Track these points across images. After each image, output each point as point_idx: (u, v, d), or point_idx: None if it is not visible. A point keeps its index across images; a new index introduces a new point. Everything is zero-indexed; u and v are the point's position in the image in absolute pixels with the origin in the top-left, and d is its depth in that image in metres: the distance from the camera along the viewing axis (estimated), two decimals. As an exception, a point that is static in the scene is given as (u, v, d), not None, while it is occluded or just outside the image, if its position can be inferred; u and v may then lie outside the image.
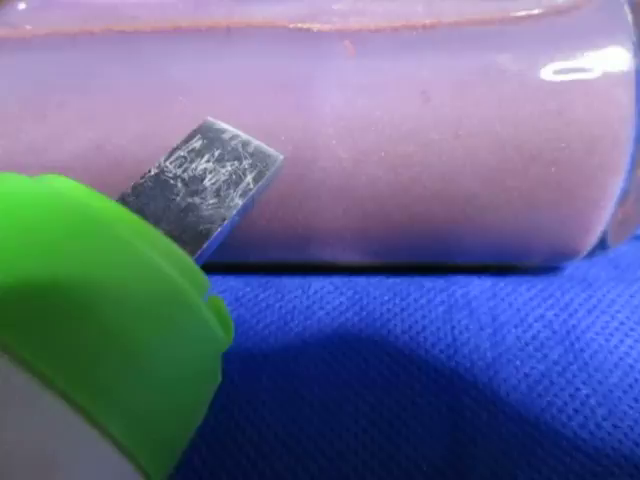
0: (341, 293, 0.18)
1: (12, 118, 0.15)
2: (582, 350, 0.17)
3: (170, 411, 0.09)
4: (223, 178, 0.12)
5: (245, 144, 0.13)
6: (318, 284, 0.19)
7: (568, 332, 0.17)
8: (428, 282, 0.19)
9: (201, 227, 0.11)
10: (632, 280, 0.19)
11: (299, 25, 0.15)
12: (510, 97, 0.15)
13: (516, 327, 0.17)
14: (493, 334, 0.17)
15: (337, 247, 0.17)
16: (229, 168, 0.12)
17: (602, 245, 0.17)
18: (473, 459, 0.14)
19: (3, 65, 0.16)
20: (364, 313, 0.18)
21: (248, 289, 0.19)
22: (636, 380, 0.16)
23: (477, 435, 0.15)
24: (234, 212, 0.12)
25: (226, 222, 0.11)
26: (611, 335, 0.17)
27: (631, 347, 0.17)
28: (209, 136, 0.13)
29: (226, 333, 0.11)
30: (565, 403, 0.15)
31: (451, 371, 0.16)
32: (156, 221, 0.11)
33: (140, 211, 0.11)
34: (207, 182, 0.12)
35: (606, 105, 0.14)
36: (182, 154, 0.12)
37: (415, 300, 0.18)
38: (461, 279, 0.19)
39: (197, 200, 0.12)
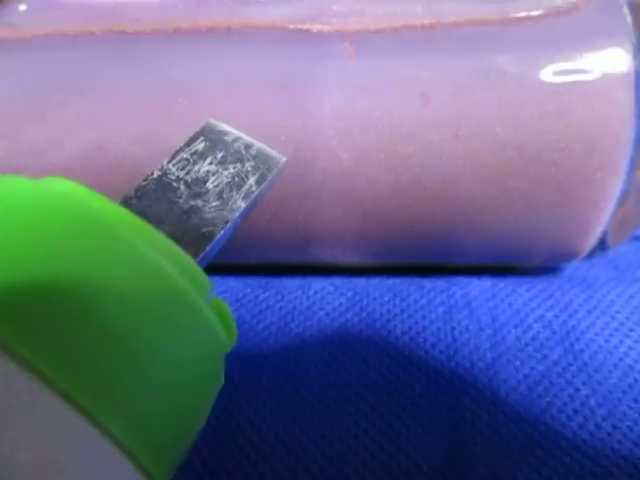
0: (341, 294, 0.18)
1: (12, 119, 0.15)
2: (582, 351, 0.17)
3: (172, 412, 0.09)
4: (226, 180, 0.12)
5: (247, 146, 0.13)
6: (318, 285, 0.19)
7: (568, 333, 0.17)
8: (428, 283, 0.19)
9: (204, 229, 0.11)
10: (632, 281, 0.19)
11: (299, 26, 0.15)
12: (510, 98, 0.15)
13: (516, 328, 0.17)
14: (493, 335, 0.17)
15: (337, 248, 0.17)
16: (232, 170, 0.12)
17: (602, 246, 0.17)
18: (473, 459, 0.14)
19: (3, 66, 0.16)
20: (364, 314, 0.18)
21: (248, 290, 0.19)
22: (636, 380, 0.16)
23: (477, 435, 0.15)
24: (237, 214, 0.12)
25: (229, 224, 0.11)
26: (611, 336, 0.17)
27: (631, 348, 0.17)
28: (212, 138, 0.13)
29: (229, 335, 0.11)
30: (565, 404, 0.15)
31: (451, 372, 0.16)
32: (159, 223, 0.11)
33: (143, 213, 0.11)
34: (210, 184, 0.12)
35: (606, 106, 0.14)
36: (185, 156, 0.12)
37: (415, 301, 0.18)
38: (461, 280, 0.19)
39: (200, 202, 0.12)
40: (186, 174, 0.12)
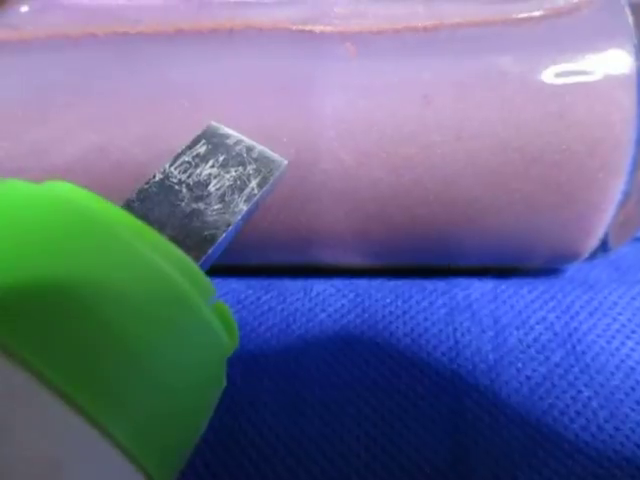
0: (343, 295, 0.18)
1: (14, 120, 0.15)
2: (584, 352, 0.17)
3: (174, 414, 0.09)
4: (227, 183, 0.12)
5: (249, 149, 0.13)
6: (320, 286, 0.19)
7: (570, 334, 0.17)
8: (430, 284, 0.19)
9: (206, 233, 0.11)
10: (633, 282, 0.19)
11: (301, 27, 0.15)
12: (512, 99, 0.15)
13: (518, 329, 0.17)
14: (495, 336, 0.17)
15: (339, 249, 0.17)
16: (233, 173, 0.12)
17: (603, 247, 0.17)
18: (475, 461, 0.14)
19: (5, 67, 0.16)
20: (366, 315, 0.18)
21: (250, 291, 0.19)
22: (638, 382, 0.16)
23: (479, 437, 0.15)
24: (238, 217, 0.12)
25: (230, 227, 0.11)
26: (613, 337, 0.17)
27: (633, 349, 0.17)
28: (213, 141, 0.13)
29: (230, 338, 0.11)
30: (567, 405, 0.15)
31: (453, 373, 0.16)
32: (161, 226, 0.11)
33: (145, 216, 0.11)
34: (212, 187, 0.12)
35: (607, 107, 0.14)
36: (186, 159, 0.12)
37: (417, 302, 0.18)
38: (462, 281, 0.19)
39: (202, 205, 0.12)
40: (188, 177, 0.12)
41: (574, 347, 0.17)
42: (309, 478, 0.14)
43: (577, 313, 0.18)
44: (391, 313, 0.18)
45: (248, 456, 0.15)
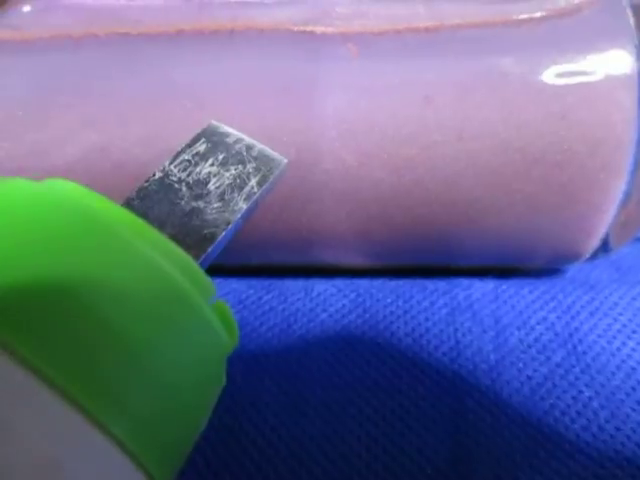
0: (344, 295, 0.18)
1: (15, 120, 0.15)
2: (584, 352, 0.17)
3: (174, 412, 0.09)
4: (227, 182, 0.12)
5: (249, 148, 0.13)
6: (321, 286, 0.19)
7: (570, 334, 0.17)
8: (431, 285, 0.19)
9: (205, 231, 0.11)
10: (634, 282, 0.19)
11: (303, 28, 0.15)
12: (513, 100, 0.15)
13: (519, 329, 0.17)
14: (496, 337, 0.17)
15: (340, 249, 0.17)
16: (233, 172, 0.12)
17: (604, 247, 0.17)
18: (476, 461, 0.14)
19: (7, 67, 0.16)
20: (367, 315, 0.18)
21: (251, 291, 0.19)
22: (639, 382, 0.16)
23: (480, 437, 0.15)
24: (238, 216, 0.12)
25: (230, 226, 0.11)
26: (613, 337, 0.17)
27: (633, 349, 0.17)
28: (213, 140, 0.13)
29: (230, 336, 0.11)
30: (568, 405, 0.15)
31: (454, 373, 0.16)
32: (160, 225, 0.11)
33: (144, 215, 0.11)
34: (211, 186, 0.12)
35: (609, 108, 0.14)
36: (186, 158, 0.12)
37: (418, 303, 0.18)
38: (463, 281, 0.19)
39: (201, 204, 0.12)
40: (187, 175, 0.12)
41: (575, 347, 0.17)
42: (310, 478, 0.14)
43: (578, 313, 0.18)
44: (392, 313, 0.18)
45: (250, 456, 0.15)
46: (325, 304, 0.18)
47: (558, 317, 0.18)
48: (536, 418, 0.15)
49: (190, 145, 0.13)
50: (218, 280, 0.19)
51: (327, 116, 0.15)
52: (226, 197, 0.12)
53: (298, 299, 0.18)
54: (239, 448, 0.15)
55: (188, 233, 0.11)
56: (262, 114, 0.15)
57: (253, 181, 0.12)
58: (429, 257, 0.18)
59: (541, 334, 0.17)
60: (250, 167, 0.12)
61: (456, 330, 0.17)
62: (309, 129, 0.15)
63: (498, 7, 0.16)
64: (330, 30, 0.15)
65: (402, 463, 0.14)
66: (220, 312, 0.11)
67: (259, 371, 0.16)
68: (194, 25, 0.16)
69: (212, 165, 0.12)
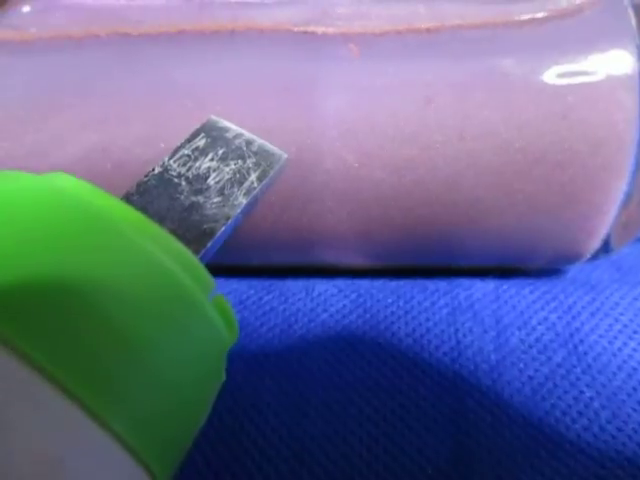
0: (345, 296, 0.18)
1: (16, 120, 0.15)
2: (585, 353, 0.17)
3: (174, 408, 0.09)
4: (227, 177, 0.12)
5: (249, 143, 0.13)
6: (322, 287, 0.19)
7: (571, 334, 0.17)
8: (431, 285, 0.19)
9: (205, 226, 0.11)
10: (635, 282, 0.19)
11: (303, 28, 0.15)
12: (514, 100, 0.15)
13: (519, 330, 0.17)
14: (497, 337, 0.17)
15: (341, 250, 0.17)
16: (233, 167, 0.12)
17: (605, 248, 0.17)
18: (477, 461, 0.14)
19: (7, 68, 0.16)
20: (368, 316, 0.18)
21: (252, 292, 0.19)
22: (640, 382, 0.16)
23: (481, 437, 0.15)
24: (238, 211, 0.12)
25: (230, 221, 0.11)
26: (615, 337, 0.17)
27: (635, 349, 0.17)
28: (213, 135, 0.13)
29: (230, 331, 0.11)
30: (569, 406, 0.15)
31: (455, 374, 0.16)
32: (160, 220, 0.11)
33: (144, 209, 0.11)
34: (211, 181, 0.12)
35: (610, 108, 0.14)
36: (186, 152, 0.12)
37: (419, 303, 0.18)
38: (464, 282, 0.19)
39: (201, 199, 0.12)
40: (187, 170, 0.12)
41: (576, 347, 0.17)
42: (312, 478, 0.14)
43: (579, 313, 0.18)
44: (393, 313, 0.18)
45: (251, 456, 0.15)
46: (326, 304, 0.18)
47: (559, 317, 0.18)
48: (537, 418, 0.15)
49: (190, 140, 0.13)
50: (219, 280, 0.19)
51: (328, 116, 0.15)
52: (226, 192, 0.12)
53: (299, 299, 0.18)
54: (240, 448, 0.15)
55: (188, 228, 0.11)
56: (263, 114, 0.15)
57: (253, 176, 0.12)
58: (430, 257, 0.18)
59: (542, 334, 0.17)
60: (250, 162, 0.12)
61: (457, 330, 0.17)
62: (310, 129, 0.15)
63: (499, 8, 0.16)
64: (331, 30, 0.15)
65: (403, 463, 0.14)
66: (220, 307, 0.11)
67: (260, 371, 0.16)
68: (195, 25, 0.16)
69: (212, 160, 0.12)
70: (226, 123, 0.13)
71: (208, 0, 0.16)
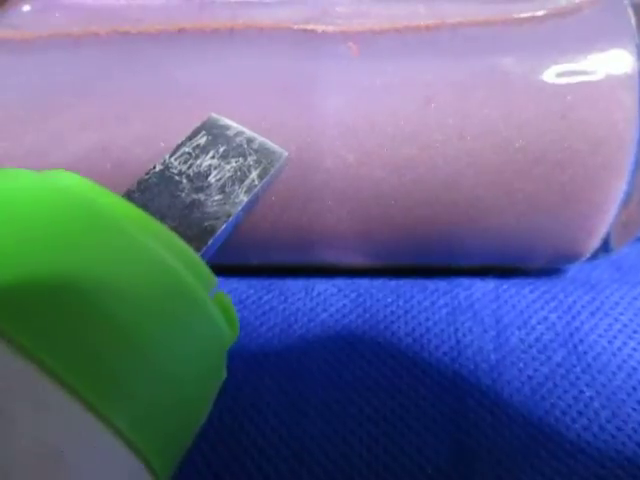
0: (344, 295, 0.18)
1: (15, 120, 0.15)
2: (585, 352, 0.17)
3: (175, 404, 0.09)
4: (228, 174, 0.12)
5: (250, 140, 0.13)
6: (321, 286, 0.19)
7: (571, 334, 0.17)
8: (431, 284, 0.19)
9: (206, 223, 0.11)
10: (635, 282, 0.19)
11: (303, 26, 0.15)
12: (514, 99, 0.15)
13: (519, 329, 0.17)
14: (496, 336, 0.17)
15: (340, 249, 0.17)
16: (234, 164, 0.12)
17: (605, 247, 0.17)
18: (477, 461, 0.14)
19: (7, 67, 0.16)
20: (367, 315, 0.18)
21: (251, 291, 0.19)
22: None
23: (480, 437, 0.15)
24: (239, 208, 0.12)
25: (231, 218, 0.11)
26: (614, 337, 0.17)
27: (634, 349, 0.17)
28: (214, 132, 0.13)
29: (231, 328, 0.11)
30: (569, 405, 0.15)
31: (454, 373, 0.16)
32: (161, 217, 0.11)
33: (145, 207, 0.11)
34: (212, 178, 0.12)
35: (610, 107, 0.14)
36: (187, 150, 0.12)
37: (418, 302, 0.18)
38: (464, 281, 0.19)
39: (202, 196, 0.12)
40: (188, 168, 0.12)
41: (576, 347, 0.17)
42: (311, 478, 0.14)
43: (579, 313, 0.18)
44: (393, 313, 0.18)
45: (250, 456, 0.15)
46: (326, 304, 0.18)
47: (559, 317, 0.18)
48: (537, 418, 0.15)
49: (191, 138, 0.13)
50: (219, 279, 0.19)
51: (328, 115, 0.15)
52: (227, 189, 0.12)
53: (299, 299, 0.18)
54: (239, 448, 0.15)
55: (189, 225, 0.11)
56: (263, 113, 0.15)
57: (254, 174, 0.12)
58: (430, 257, 0.18)
59: (542, 334, 0.17)
60: (251, 160, 0.12)
61: (457, 330, 0.17)
62: (310, 128, 0.15)
63: (499, 6, 0.16)
64: (330, 29, 0.15)
65: (403, 463, 0.14)
66: (221, 305, 0.11)
67: (259, 371, 0.16)
68: (195, 24, 0.16)
69: (213, 158, 0.12)
70: (227, 121, 0.13)
71: (208, -1, 0.16)
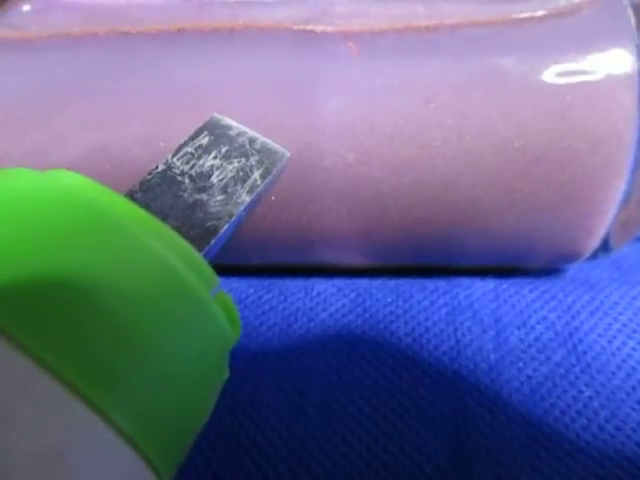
0: (344, 295, 0.18)
1: (15, 120, 0.15)
2: (585, 352, 0.17)
3: (177, 404, 0.09)
4: (230, 174, 0.12)
5: (252, 141, 0.13)
6: (321, 286, 0.19)
7: (571, 334, 0.17)
8: (431, 284, 0.19)
9: (208, 223, 0.11)
10: (635, 282, 0.19)
11: (303, 27, 0.15)
12: (513, 99, 0.15)
13: (519, 329, 0.17)
14: (496, 336, 0.17)
15: (340, 249, 0.17)
16: (236, 164, 0.12)
17: (605, 247, 0.17)
18: (476, 461, 0.14)
19: (7, 67, 0.16)
20: (367, 315, 0.18)
21: (251, 291, 0.19)
22: (639, 382, 0.16)
23: (480, 437, 0.15)
24: (241, 208, 0.12)
25: (233, 218, 0.11)
26: (614, 337, 0.17)
27: (634, 349, 0.17)
28: (216, 133, 0.13)
29: (233, 328, 0.11)
30: (568, 405, 0.15)
31: (454, 373, 0.16)
32: (163, 217, 0.11)
33: (147, 207, 0.11)
34: (214, 178, 0.12)
35: (609, 107, 0.14)
36: (189, 150, 0.12)
37: (418, 302, 0.18)
38: (464, 281, 0.19)
39: (204, 196, 0.12)
40: (190, 168, 0.12)
41: (575, 347, 0.17)
42: (310, 478, 0.14)
43: (578, 313, 0.18)
44: (392, 313, 0.18)
45: (250, 455, 0.15)
46: (325, 303, 0.18)
47: (558, 316, 0.18)
48: (536, 417, 0.15)
49: (193, 138, 0.13)
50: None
51: (327, 115, 0.15)
52: (229, 190, 0.12)
53: (298, 298, 0.18)
54: (239, 447, 0.15)
55: (191, 225, 0.11)
56: (262, 113, 0.15)
57: (256, 174, 0.12)
58: (429, 256, 0.18)
59: (541, 333, 0.17)
60: (253, 160, 0.12)
61: (456, 329, 0.17)
62: (309, 128, 0.15)
63: (498, 6, 0.16)
64: (330, 29, 0.15)
65: (402, 462, 0.14)
66: (223, 304, 0.11)
67: (259, 370, 0.16)
68: (194, 24, 0.16)
69: (215, 158, 0.12)
70: (229, 121, 0.13)
71: (207, -1, 0.16)
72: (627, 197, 0.15)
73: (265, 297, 0.18)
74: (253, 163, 0.12)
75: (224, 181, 0.12)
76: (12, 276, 0.08)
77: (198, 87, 0.15)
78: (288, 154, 0.13)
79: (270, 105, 0.15)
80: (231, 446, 0.15)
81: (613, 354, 0.17)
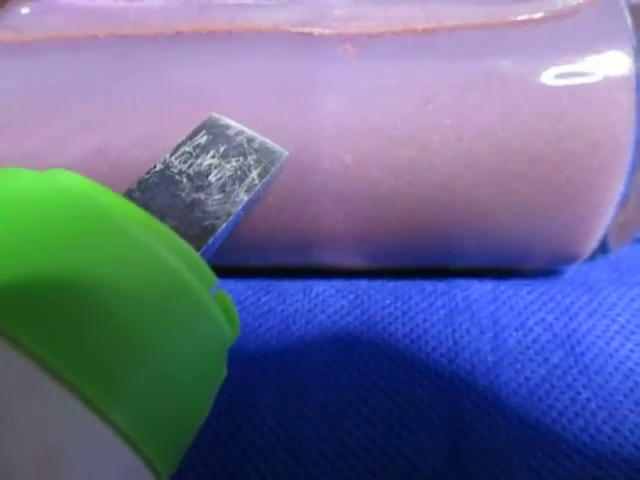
0: (342, 296, 0.18)
1: (14, 122, 0.15)
2: (583, 354, 0.17)
3: (175, 403, 0.09)
4: (228, 174, 0.12)
5: (250, 140, 0.13)
6: (320, 287, 0.19)
7: (569, 335, 0.17)
8: (429, 285, 0.19)
9: (206, 222, 0.11)
10: (633, 283, 0.19)
11: (301, 29, 0.15)
12: (511, 101, 0.15)
13: (517, 330, 0.17)
14: (494, 338, 0.17)
15: (338, 250, 0.17)
16: (234, 164, 0.12)
17: (603, 248, 0.17)
18: (474, 462, 0.14)
19: (6, 69, 0.16)
20: (365, 316, 0.18)
21: (250, 292, 0.19)
22: (636, 384, 0.16)
23: (478, 438, 0.15)
24: (239, 207, 0.12)
25: (231, 217, 0.11)
26: (612, 339, 0.17)
27: (631, 351, 0.17)
28: (214, 132, 0.13)
29: (232, 327, 0.11)
30: (566, 407, 0.15)
31: (452, 374, 0.16)
32: (161, 216, 0.11)
33: (145, 206, 0.11)
34: (212, 178, 0.12)
35: (607, 109, 0.15)
36: (187, 149, 0.12)
37: (416, 303, 0.18)
38: (462, 282, 0.19)
39: (202, 196, 0.12)
40: (189, 167, 0.12)
41: (573, 348, 0.17)
42: (308, 479, 0.14)
43: (576, 314, 0.18)
44: (390, 314, 0.18)
45: (248, 457, 0.15)
46: (324, 305, 0.18)
47: (556, 318, 0.18)
48: (534, 419, 0.15)
49: (191, 137, 0.13)
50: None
51: (325, 116, 0.15)
52: (227, 189, 0.12)
53: (297, 300, 0.18)
54: (237, 448, 0.15)
55: (189, 225, 0.11)
56: (260, 115, 0.15)
57: (254, 173, 0.12)
58: (428, 258, 0.18)
59: (539, 335, 0.17)
60: (251, 159, 0.12)
61: (454, 331, 0.17)
62: (307, 129, 0.15)
63: (496, 8, 0.16)
64: (328, 31, 0.15)
65: (400, 464, 0.14)
66: (221, 303, 0.11)
67: (258, 372, 0.16)
68: (193, 26, 0.16)
69: (213, 157, 0.12)
70: (227, 120, 0.13)
71: (206, 1, 0.16)
72: (625, 199, 0.15)
73: (263, 299, 0.18)
74: (251, 162, 0.12)
75: (222, 180, 0.12)
76: (12, 277, 0.08)
77: (197, 89, 0.15)
78: (286, 153, 0.13)
79: (268, 107, 0.15)
80: (229, 447, 0.15)
81: (611, 355, 0.17)
